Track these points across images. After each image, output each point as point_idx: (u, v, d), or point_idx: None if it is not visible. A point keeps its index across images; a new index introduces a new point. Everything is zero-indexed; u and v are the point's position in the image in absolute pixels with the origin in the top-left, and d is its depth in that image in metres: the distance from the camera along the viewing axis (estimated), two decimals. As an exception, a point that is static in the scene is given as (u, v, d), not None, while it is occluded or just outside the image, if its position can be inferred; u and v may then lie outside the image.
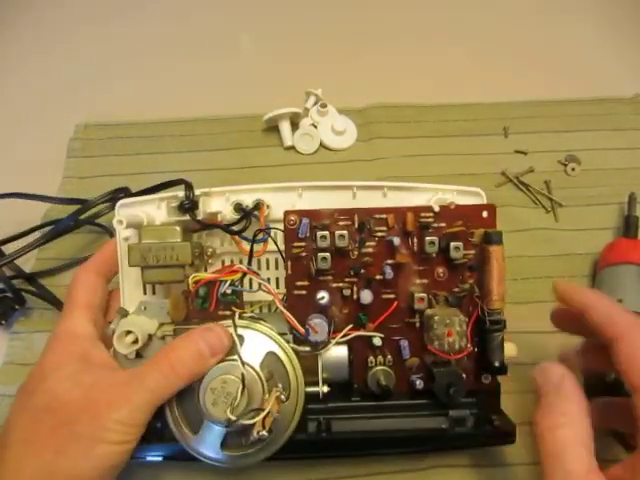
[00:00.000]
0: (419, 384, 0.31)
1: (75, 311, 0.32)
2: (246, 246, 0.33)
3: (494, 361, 0.31)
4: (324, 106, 0.53)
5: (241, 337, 0.30)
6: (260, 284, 0.32)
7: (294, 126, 0.53)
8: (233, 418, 0.28)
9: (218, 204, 0.35)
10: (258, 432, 0.28)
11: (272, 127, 0.53)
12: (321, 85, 0.55)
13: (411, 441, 0.33)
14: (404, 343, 0.32)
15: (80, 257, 0.45)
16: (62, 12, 0.65)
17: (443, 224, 0.32)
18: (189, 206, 0.33)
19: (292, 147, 0.52)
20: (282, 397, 0.29)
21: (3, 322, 0.41)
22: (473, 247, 0.32)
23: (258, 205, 0.34)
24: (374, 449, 0.34)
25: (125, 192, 0.44)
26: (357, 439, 0.32)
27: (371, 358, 0.32)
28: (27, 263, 0.45)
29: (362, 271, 0.32)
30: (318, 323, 0.31)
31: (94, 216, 0.43)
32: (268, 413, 0.28)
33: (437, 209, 0.32)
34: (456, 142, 0.52)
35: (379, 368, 0.32)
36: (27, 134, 0.54)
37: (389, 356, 0.32)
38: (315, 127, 0.53)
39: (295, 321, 0.31)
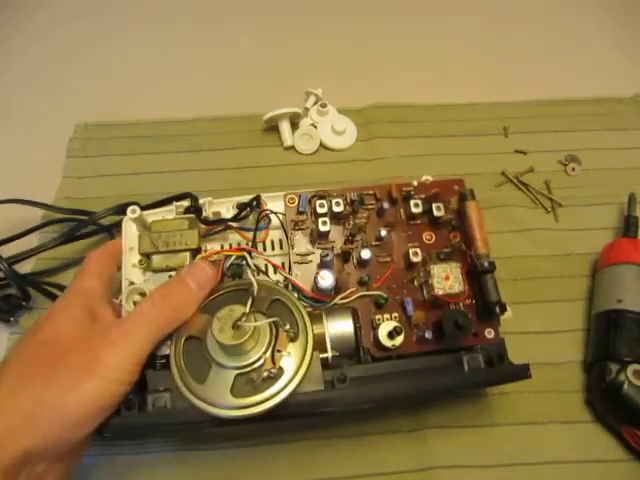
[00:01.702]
0: (428, 334, 0.32)
1: (87, 275, 0.33)
2: (249, 235, 0.35)
3: (491, 298, 0.33)
4: (324, 106, 0.53)
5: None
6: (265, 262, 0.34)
7: (294, 126, 0.53)
8: (245, 310, 0.28)
9: (222, 209, 0.37)
10: (269, 370, 0.28)
11: (272, 127, 0.53)
12: (321, 85, 0.55)
13: (428, 384, 0.32)
14: (407, 300, 0.33)
15: (80, 257, 0.45)
16: (62, 12, 0.65)
17: (422, 196, 0.36)
18: (195, 210, 0.35)
19: (292, 147, 0.52)
20: (290, 334, 0.29)
21: (12, 319, 0.42)
22: (452, 212, 0.36)
23: (258, 199, 0.36)
24: (393, 398, 0.32)
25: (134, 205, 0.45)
26: (376, 389, 0.31)
27: (378, 316, 0.33)
28: (28, 262, 0.45)
29: (358, 238, 0.34)
30: (325, 271, 0.32)
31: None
32: (275, 349, 0.29)
33: (415, 184, 0.37)
34: (456, 142, 0.52)
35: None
36: (27, 134, 0.54)
37: (395, 314, 0.33)
38: (315, 127, 0.53)
39: (300, 283, 0.32)
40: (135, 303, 0.33)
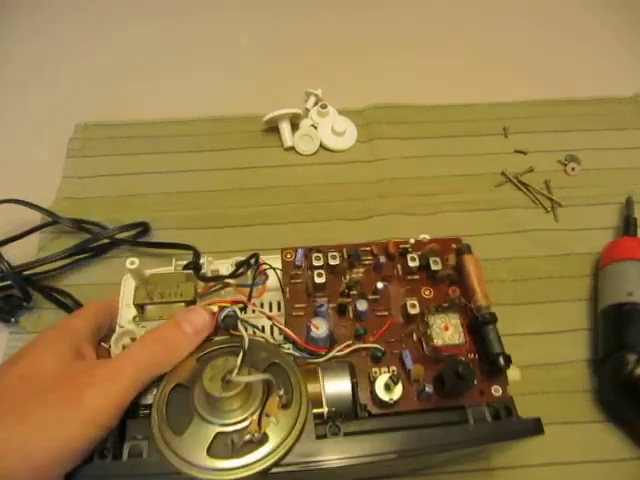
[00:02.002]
0: (428, 388, 0.30)
1: (80, 316, 0.32)
2: (246, 291, 0.34)
3: (494, 350, 0.31)
4: (324, 107, 0.53)
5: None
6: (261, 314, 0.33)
7: (294, 127, 0.53)
8: (236, 364, 0.27)
9: (221, 268, 0.36)
10: (252, 433, 0.26)
11: (272, 128, 0.53)
12: (321, 85, 0.55)
13: (428, 438, 0.29)
14: (405, 352, 0.32)
15: (80, 257, 0.45)
16: (62, 13, 0.65)
17: (419, 252, 0.36)
18: (194, 267, 0.35)
19: (292, 148, 0.52)
20: (283, 400, 0.28)
21: (12, 319, 0.42)
22: (450, 268, 0.35)
23: (256, 257, 0.35)
24: (390, 452, 0.29)
25: (143, 226, 0.45)
26: (371, 440, 0.28)
27: (375, 370, 0.31)
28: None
29: (354, 292, 0.34)
30: (319, 320, 0.31)
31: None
32: (263, 413, 0.27)
33: (412, 241, 0.36)
34: (456, 142, 0.52)
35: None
36: (27, 134, 0.54)
37: (393, 367, 0.31)
38: (315, 128, 0.53)
39: (294, 335, 0.31)
40: (124, 347, 0.32)
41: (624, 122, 0.54)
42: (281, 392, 0.28)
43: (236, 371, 0.27)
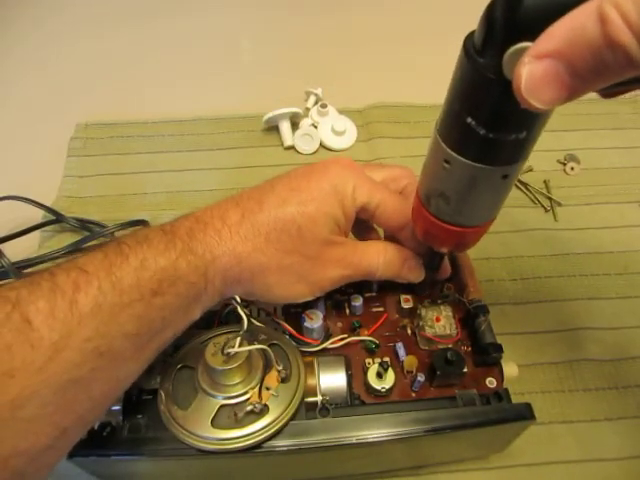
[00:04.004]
0: (420, 377, 0.31)
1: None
2: None
3: (485, 340, 0.31)
4: (324, 106, 0.53)
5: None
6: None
7: (294, 126, 0.53)
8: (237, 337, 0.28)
9: None
10: (254, 403, 0.27)
11: (272, 127, 0.53)
12: (321, 84, 0.55)
13: (417, 422, 0.29)
14: (399, 344, 0.32)
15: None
16: (63, 13, 0.65)
17: None
18: None
19: (292, 147, 0.52)
20: (282, 374, 0.29)
21: None
22: None
23: None
24: (383, 438, 0.29)
25: (143, 224, 0.46)
26: (359, 421, 0.29)
27: (369, 360, 0.32)
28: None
29: (350, 289, 0.34)
30: (313, 311, 0.32)
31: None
32: (263, 386, 0.28)
33: None
34: (456, 142, 0.52)
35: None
36: (28, 133, 0.54)
37: (387, 359, 0.32)
38: (315, 127, 0.53)
39: (291, 328, 0.32)
40: None
41: (623, 121, 0.54)
42: (280, 367, 0.29)
43: (238, 342, 0.28)
